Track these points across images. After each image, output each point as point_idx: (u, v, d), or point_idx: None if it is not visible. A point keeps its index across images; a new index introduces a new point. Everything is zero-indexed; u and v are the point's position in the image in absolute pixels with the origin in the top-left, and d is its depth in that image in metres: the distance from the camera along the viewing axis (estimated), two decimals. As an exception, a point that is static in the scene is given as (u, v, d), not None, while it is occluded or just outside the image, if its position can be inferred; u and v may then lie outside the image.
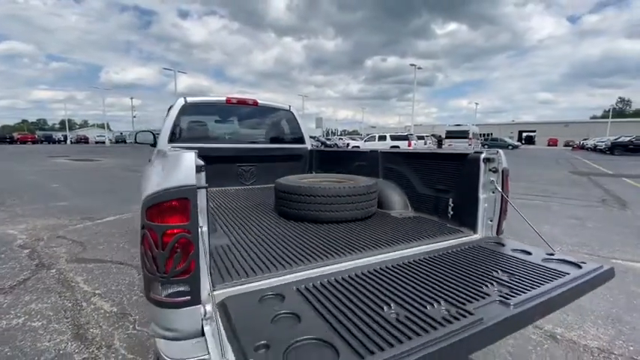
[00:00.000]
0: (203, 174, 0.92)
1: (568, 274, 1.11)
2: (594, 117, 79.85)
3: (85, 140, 51.00)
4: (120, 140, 59.89)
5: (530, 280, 1.07)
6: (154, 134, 3.96)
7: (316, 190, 1.78)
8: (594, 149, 28.44)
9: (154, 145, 3.95)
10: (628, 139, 24.68)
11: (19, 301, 2.34)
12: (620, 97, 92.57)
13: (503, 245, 1.47)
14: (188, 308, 0.90)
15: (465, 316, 0.85)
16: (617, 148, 23.96)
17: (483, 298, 0.95)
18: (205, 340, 0.86)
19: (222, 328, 0.79)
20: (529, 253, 1.35)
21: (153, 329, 0.97)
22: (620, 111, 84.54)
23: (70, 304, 2.30)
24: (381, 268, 1.20)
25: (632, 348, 1.90)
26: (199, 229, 0.90)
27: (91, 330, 1.99)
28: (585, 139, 39.17)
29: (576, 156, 23.11)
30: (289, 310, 0.87)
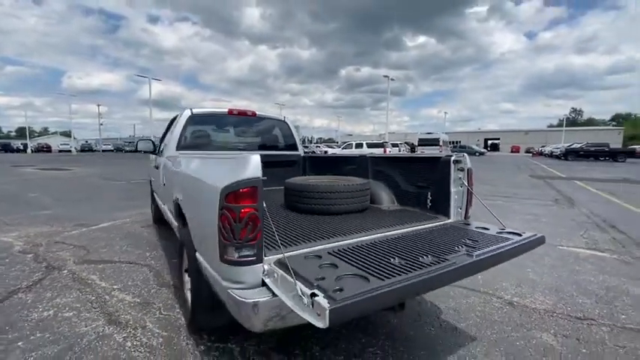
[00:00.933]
0: (261, 170, 1.28)
1: (512, 239, 1.57)
2: (551, 125, 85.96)
3: (47, 149, 48.06)
4: (86, 149, 57.06)
5: (487, 243, 1.52)
6: (153, 143, 4.20)
7: (323, 187, 2.16)
8: (551, 155, 30.93)
9: (154, 152, 4.19)
10: (579, 146, 27.16)
11: (42, 297, 2.51)
12: (572, 108, 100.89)
13: (469, 225, 1.94)
14: (253, 266, 1.25)
15: (444, 262, 1.27)
16: (570, 154, 26.30)
17: (456, 252, 1.38)
18: (267, 287, 1.21)
19: (284, 273, 1.15)
20: (487, 229, 1.81)
21: (225, 284, 1.29)
22: (573, 120, 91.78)
23: (93, 298, 2.51)
24: (381, 241, 1.60)
25: (569, 309, 2.42)
26: (263, 209, 1.26)
27: (122, 316, 2.23)
28: (543, 146, 42.36)
29: (535, 161, 25.07)
30: (328, 262, 1.25)
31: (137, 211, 5.79)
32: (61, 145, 54.21)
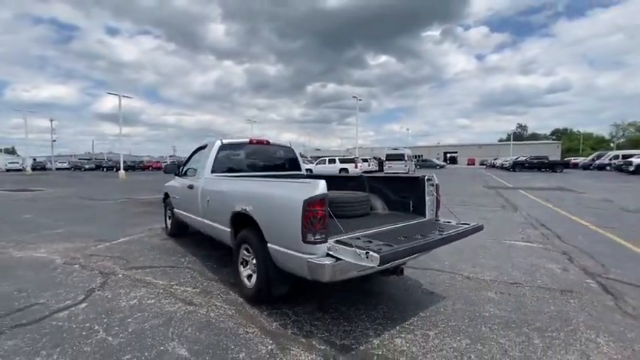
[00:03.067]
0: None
1: (464, 227, 2.63)
2: (501, 140, 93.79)
3: (-7, 168, 44.19)
4: (38, 167, 53.18)
5: (450, 229, 2.55)
6: (178, 166, 4.93)
7: (344, 198, 3.11)
8: (501, 167, 34.40)
9: (178, 174, 4.91)
10: (524, 158, 30.67)
11: (118, 292, 3.16)
12: (518, 123, 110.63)
13: (439, 220, 2.98)
14: (323, 244, 2.15)
15: (427, 237, 2.27)
16: (517, 166, 29.59)
17: (433, 233, 2.39)
18: (331, 255, 2.12)
19: (343, 246, 2.07)
20: (450, 222, 2.87)
21: (305, 257, 2.16)
22: (520, 135, 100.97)
23: (161, 291, 3.20)
24: (387, 231, 2.57)
25: (505, 278, 3.52)
26: (328, 211, 2.18)
27: (194, 300, 2.98)
28: (495, 159, 46.67)
29: (488, 173, 27.88)
30: (365, 240, 2.19)
31: (144, 227, 6.28)
32: (9, 163, 49.98)
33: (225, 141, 4.14)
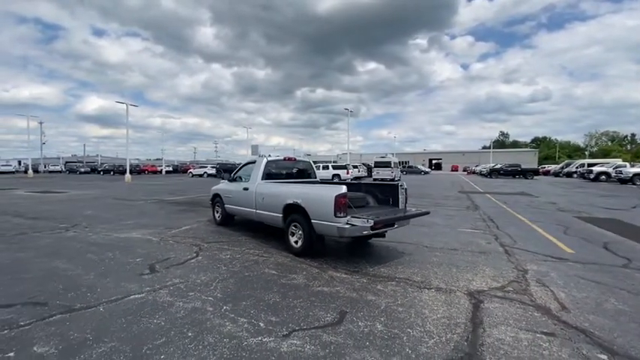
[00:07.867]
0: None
1: (420, 211, 4.81)
2: (484, 147, 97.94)
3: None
4: (26, 169, 53.38)
5: (412, 212, 4.73)
6: (229, 173, 6.99)
7: (350, 195, 5.22)
8: (480, 174, 37.39)
9: (230, 180, 6.96)
10: (500, 166, 33.66)
11: (214, 252, 5.17)
12: (501, 131, 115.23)
13: (406, 209, 5.15)
14: (345, 217, 4.24)
15: (399, 214, 4.43)
16: (493, 173, 32.51)
17: (402, 213, 4.56)
18: (349, 223, 4.23)
19: (356, 218, 4.18)
20: (412, 209, 5.05)
21: (335, 224, 4.25)
22: (502, 142, 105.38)
23: (239, 251, 5.23)
24: (377, 212, 4.71)
25: (449, 247, 5.70)
26: (348, 201, 4.29)
27: (264, 255, 5.03)
28: (477, 166, 49.91)
29: (467, 179, 30.57)
30: (365, 217, 4.31)
31: (193, 220, 8.24)
32: (2, 166, 50.15)
33: (269, 158, 6.23)
